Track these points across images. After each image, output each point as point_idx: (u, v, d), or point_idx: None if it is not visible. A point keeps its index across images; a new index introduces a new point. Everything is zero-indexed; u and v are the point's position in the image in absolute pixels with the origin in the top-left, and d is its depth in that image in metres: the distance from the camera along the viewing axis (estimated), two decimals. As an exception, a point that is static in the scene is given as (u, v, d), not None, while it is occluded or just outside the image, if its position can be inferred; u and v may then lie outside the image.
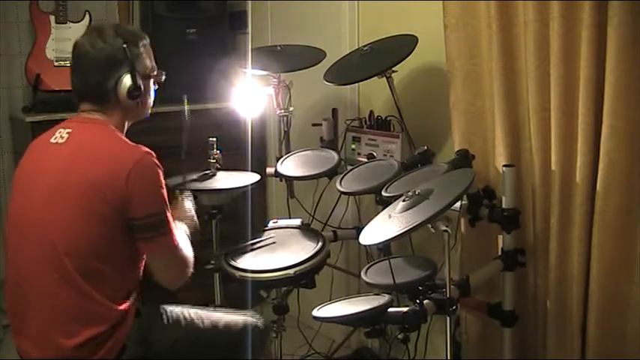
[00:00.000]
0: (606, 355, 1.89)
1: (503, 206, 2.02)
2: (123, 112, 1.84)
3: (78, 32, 3.14)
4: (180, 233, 1.84)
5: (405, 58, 2.36)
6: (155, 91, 1.95)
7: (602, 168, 1.82)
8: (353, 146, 2.71)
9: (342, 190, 2.24)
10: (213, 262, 2.29)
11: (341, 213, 2.76)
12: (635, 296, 1.84)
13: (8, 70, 3.35)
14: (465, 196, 1.97)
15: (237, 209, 2.82)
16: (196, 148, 2.24)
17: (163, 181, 1.74)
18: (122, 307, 1.71)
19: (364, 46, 2.59)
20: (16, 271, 1.74)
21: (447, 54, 2.21)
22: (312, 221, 2.61)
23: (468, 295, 1.94)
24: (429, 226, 1.62)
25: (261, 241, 2.32)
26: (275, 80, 2.69)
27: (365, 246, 2.07)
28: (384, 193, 2.00)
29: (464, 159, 2.07)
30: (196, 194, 2.22)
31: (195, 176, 2.34)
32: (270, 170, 2.63)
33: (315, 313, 1.86)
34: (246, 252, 2.25)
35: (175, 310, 1.89)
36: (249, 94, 2.68)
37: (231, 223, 2.52)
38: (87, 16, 3.28)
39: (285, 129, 2.75)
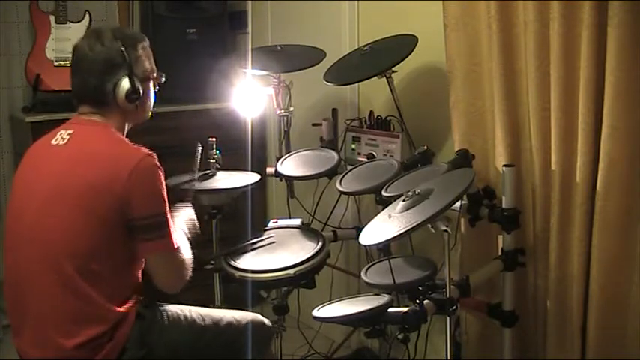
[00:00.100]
0: (606, 355, 1.89)
1: (503, 206, 2.02)
2: (122, 115, 1.84)
3: (78, 32, 3.16)
4: (180, 235, 1.84)
5: (405, 58, 2.36)
6: (155, 93, 1.94)
7: (602, 168, 1.82)
8: (353, 146, 2.71)
9: (342, 190, 2.24)
10: (213, 262, 2.29)
11: (341, 213, 2.76)
12: (635, 296, 1.84)
13: (8, 70, 3.35)
14: (465, 196, 1.97)
15: (237, 209, 2.82)
16: (196, 148, 2.25)
17: (164, 183, 1.74)
18: (122, 308, 1.71)
19: (364, 46, 2.59)
20: (16, 272, 1.74)
21: (447, 54, 2.21)
22: (312, 221, 2.61)
23: (468, 295, 1.94)
24: (429, 226, 1.62)
25: (260, 241, 2.32)
26: (275, 80, 2.69)
27: (365, 246, 2.07)
28: (384, 193, 2.00)
29: (464, 159, 2.07)
30: (196, 194, 2.22)
31: (195, 176, 2.34)
32: (270, 170, 2.63)
33: (315, 313, 1.86)
34: (246, 252, 2.25)
35: (176, 309, 1.89)
36: (249, 94, 2.68)
37: (231, 223, 2.52)
38: (87, 16, 3.28)
39: (285, 129, 2.75)
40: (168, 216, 1.73)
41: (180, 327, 1.85)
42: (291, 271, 2.08)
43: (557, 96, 1.91)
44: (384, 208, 1.84)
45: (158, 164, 1.73)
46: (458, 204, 1.68)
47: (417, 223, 1.56)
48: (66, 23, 3.22)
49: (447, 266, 1.70)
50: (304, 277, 2.11)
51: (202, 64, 3.35)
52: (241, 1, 3.63)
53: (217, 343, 1.90)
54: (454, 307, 1.76)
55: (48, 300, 1.67)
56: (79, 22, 3.26)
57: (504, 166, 2.02)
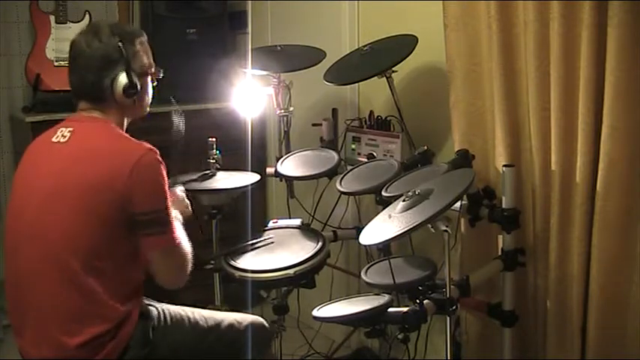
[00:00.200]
0: (606, 355, 1.89)
1: (503, 206, 2.02)
2: (120, 110, 1.83)
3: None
4: (180, 229, 1.83)
5: (405, 58, 2.35)
6: (153, 88, 1.94)
7: (602, 168, 1.82)
8: (353, 146, 2.71)
9: (342, 190, 2.24)
10: (213, 262, 2.29)
11: (341, 213, 2.76)
12: (635, 296, 1.84)
13: (8, 70, 3.36)
14: (465, 196, 1.97)
15: (237, 209, 2.82)
16: (196, 148, 2.24)
17: (166, 178, 1.74)
18: (125, 306, 1.71)
19: (364, 46, 2.59)
20: (17, 271, 1.73)
21: (447, 54, 2.21)
22: (312, 221, 2.61)
23: (468, 295, 1.94)
24: (429, 226, 1.62)
25: (260, 241, 2.32)
26: (275, 80, 2.69)
27: (365, 246, 2.07)
28: (384, 193, 2.00)
29: (464, 159, 2.07)
30: (196, 194, 2.22)
31: (195, 176, 2.34)
32: (270, 170, 2.63)
33: (315, 313, 1.86)
34: (246, 252, 2.25)
35: (179, 310, 1.89)
36: (249, 94, 2.68)
37: (231, 223, 2.52)
38: (87, 16, 3.29)
39: (285, 129, 2.75)
40: (170, 211, 1.73)
41: (183, 328, 1.85)
42: (291, 271, 2.08)
43: (557, 96, 1.91)
44: (384, 208, 1.84)
45: (160, 159, 1.72)
46: (458, 204, 1.68)
47: (417, 223, 1.56)
48: (66, 23, 3.22)
49: (447, 266, 1.70)
50: (304, 277, 2.11)
51: (202, 64, 3.36)
52: (241, 1, 3.63)
53: (219, 344, 1.90)
54: (454, 307, 1.76)
55: (50, 298, 1.66)
56: (79, 22, 3.26)
57: (504, 166, 2.02)
